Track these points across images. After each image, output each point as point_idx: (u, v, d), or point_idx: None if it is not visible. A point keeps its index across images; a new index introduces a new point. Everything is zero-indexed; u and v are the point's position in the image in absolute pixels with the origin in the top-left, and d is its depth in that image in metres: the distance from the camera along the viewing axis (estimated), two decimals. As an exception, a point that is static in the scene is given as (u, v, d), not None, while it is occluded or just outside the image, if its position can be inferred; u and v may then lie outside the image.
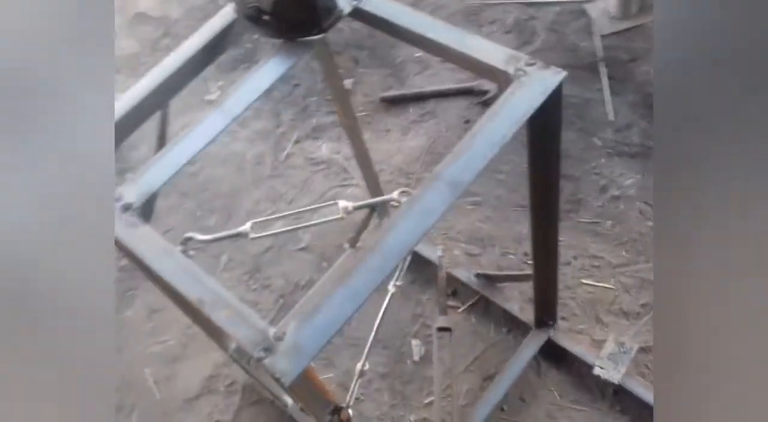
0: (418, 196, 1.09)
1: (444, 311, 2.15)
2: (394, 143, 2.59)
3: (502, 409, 1.98)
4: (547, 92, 1.16)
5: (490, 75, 1.23)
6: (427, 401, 2.05)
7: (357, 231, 2.29)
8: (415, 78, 2.74)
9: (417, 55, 2.78)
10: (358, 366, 1.35)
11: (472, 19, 2.83)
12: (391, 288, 1.29)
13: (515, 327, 2.10)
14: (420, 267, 2.22)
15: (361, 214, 2.30)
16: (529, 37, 2.70)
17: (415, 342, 2.15)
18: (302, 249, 2.44)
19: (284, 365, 0.98)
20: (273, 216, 1.31)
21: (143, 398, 2.25)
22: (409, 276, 2.25)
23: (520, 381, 1.99)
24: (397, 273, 1.26)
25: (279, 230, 1.26)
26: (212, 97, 2.96)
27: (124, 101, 1.37)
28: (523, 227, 2.29)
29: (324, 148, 2.66)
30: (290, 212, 1.30)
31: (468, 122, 2.55)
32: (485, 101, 2.55)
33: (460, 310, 2.19)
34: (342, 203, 1.19)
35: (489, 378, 2.03)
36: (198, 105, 2.83)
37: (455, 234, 2.32)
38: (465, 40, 1.26)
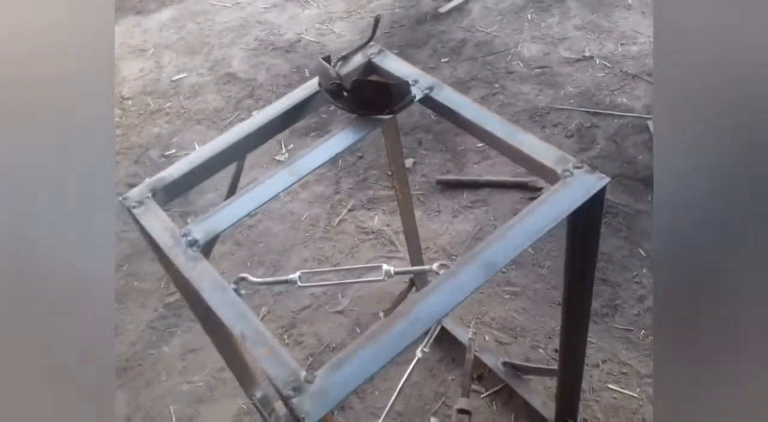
0: (454, 271, 1.18)
1: (467, 393, 2.18)
2: (443, 224, 2.70)
3: None
4: (589, 194, 1.25)
5: (539, 171, 1.33)
6: (437, 481, 2.06)
7: (394, 302, 2.37)
8: (473, 166, 2.87)
9: (479, 145, 2.92)
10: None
11: (536, 120, 2.97)
12: (418, 354, 1.36)
13: (535, 421, 2.11)
14: (450, 347, 2.28)
15: (401, 287, 2.39)
16: (589, 144, 2.82)
17: (433, 420, 2.18)
18: (339, 312, 2.52)
19: (309, 406, 1.06)
20: (321, 270, 1.41)
21: (163, 433, 2.33)
22: (438, 354, 2.30)
23: (532, 476, 1.99)
24: (426, 340, 1.33)
25: (324, 283, 1.36)
26: (281, 157, 3.16)
27: (206, 150, 1.52)
28: (557, 324, 2.32)
29: (376, 219, 2.79)
30: (338, 268, 1.40)
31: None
32: (537, 196, 2.64)
33: (483, 396, 2.22)
34: (385, 267, 1.29)
35: (502, 468, 2.04)
36: (268, 163, 3.04)
37: (489, 320, 2.37)
38: (520, 137, 1.37)
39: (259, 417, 2.29)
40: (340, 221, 2.82)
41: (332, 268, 1.38)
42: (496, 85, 3.18)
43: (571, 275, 1.48)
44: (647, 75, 3.02)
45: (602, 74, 3.08)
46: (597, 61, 3.14)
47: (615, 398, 2.13)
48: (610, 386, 2.16)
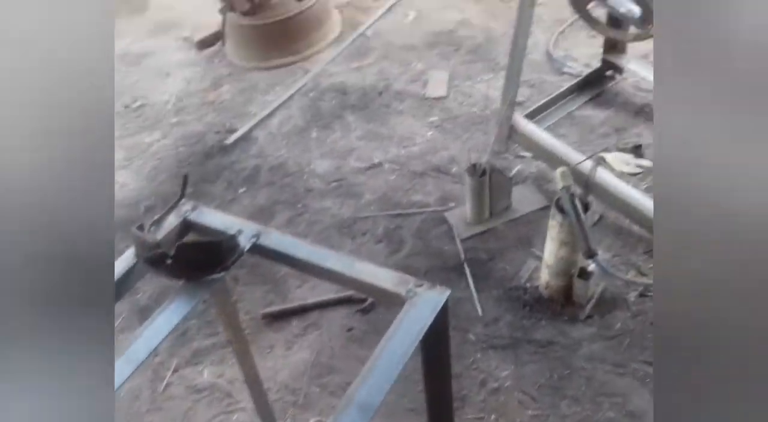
0: (334, 423, 1.14)
1: None
2: (279, 359, 2.61)
3: None
4: (436, 310, 1.30)
5: (384, 297, 1.36)
6: None
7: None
8: (297, 291, 2.86)
9: (296, 268, 2.92)
10: None
11: (344, 232, 3.06)
12: None
13: None
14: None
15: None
16: (398, 246, 2.96)
17: None
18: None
19: None
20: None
21: None
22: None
23: None
24: None
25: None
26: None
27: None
28: (416, 429, 2.33)
29: (206, 373, 2.62)
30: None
31: (351, 330, 2.66)
32: (365, 308, 2.69)
33: None
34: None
35: None
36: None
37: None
38: (358, 267, 1.39)
39: None
40: (166, 386, 2.60)
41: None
42: (299, 206, 3.24)
43: (430, 389, 1.51)
44: (432, 171, 3.29)
45: (393, 177, 3.30)
46: (386, 166, 3.36)
47: (491, 488, 2.16)
48: (482, 477, 2.19)
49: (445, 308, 1.32)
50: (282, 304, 2.80)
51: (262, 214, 3.23)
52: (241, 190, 3.39)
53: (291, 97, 3.96)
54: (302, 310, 2.75)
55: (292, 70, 4.21)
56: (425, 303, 1.31)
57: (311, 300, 2.78)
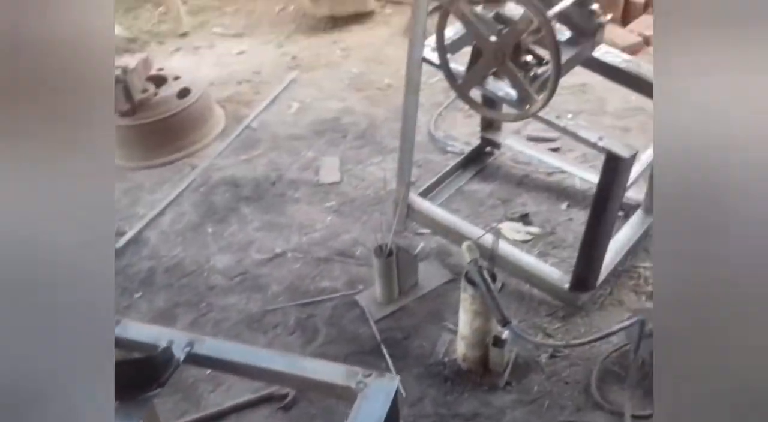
0: None
1: None
2: (202, 470, 2.45)
3: None
4: (389, 398, 1.30)
5: (335, 392, 1.34)
6: None
7: None
8: (210, 396, 2.71)
9: (207, 372, 2.78)
10: None
11: (255, 327, 2.98)
12: None
13: None
14: None
15: None
16: (313, 335, 2.91)
17: None
18: None
19: None
20: None
21: None
22: None
23: None
24: None
25: None
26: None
27: None
28: None
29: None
30: None
31: (275, 430, 2.56)
32: (286, 405, 2.60)
33: None
34: None
35: None
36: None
37: None
38: (302, 365, 1.38)
39: None
40: None
41: None
42: (203, 305, 3.13)
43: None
44: (336, 255, 3.31)
45: (298, 265, 3.28)
46: (289, 255, 3.34)
47: None
48: None
49: (396, 396, 1.33)
50: (197, 412, 2.65)
51: (162, 319, 3.08)
52: (137, 295, 3.23)
53: (181, 194, 3.88)
54: (220, 416, 2.62)
55: (179, 166, 4.14)
56: (376, 393, 1.31)
57: (228, 404, 2.65)
